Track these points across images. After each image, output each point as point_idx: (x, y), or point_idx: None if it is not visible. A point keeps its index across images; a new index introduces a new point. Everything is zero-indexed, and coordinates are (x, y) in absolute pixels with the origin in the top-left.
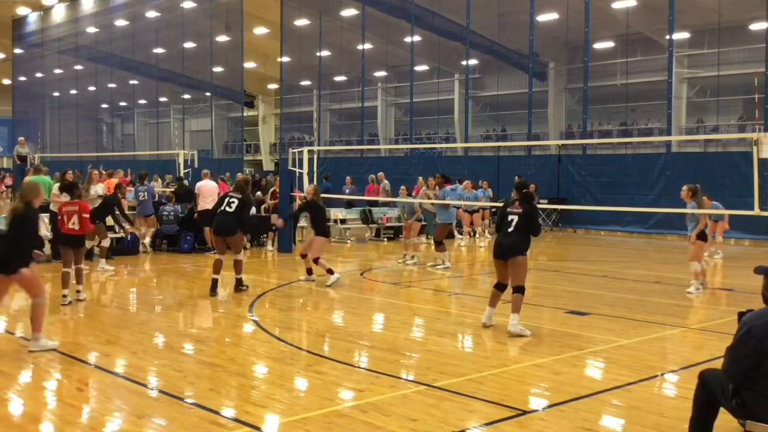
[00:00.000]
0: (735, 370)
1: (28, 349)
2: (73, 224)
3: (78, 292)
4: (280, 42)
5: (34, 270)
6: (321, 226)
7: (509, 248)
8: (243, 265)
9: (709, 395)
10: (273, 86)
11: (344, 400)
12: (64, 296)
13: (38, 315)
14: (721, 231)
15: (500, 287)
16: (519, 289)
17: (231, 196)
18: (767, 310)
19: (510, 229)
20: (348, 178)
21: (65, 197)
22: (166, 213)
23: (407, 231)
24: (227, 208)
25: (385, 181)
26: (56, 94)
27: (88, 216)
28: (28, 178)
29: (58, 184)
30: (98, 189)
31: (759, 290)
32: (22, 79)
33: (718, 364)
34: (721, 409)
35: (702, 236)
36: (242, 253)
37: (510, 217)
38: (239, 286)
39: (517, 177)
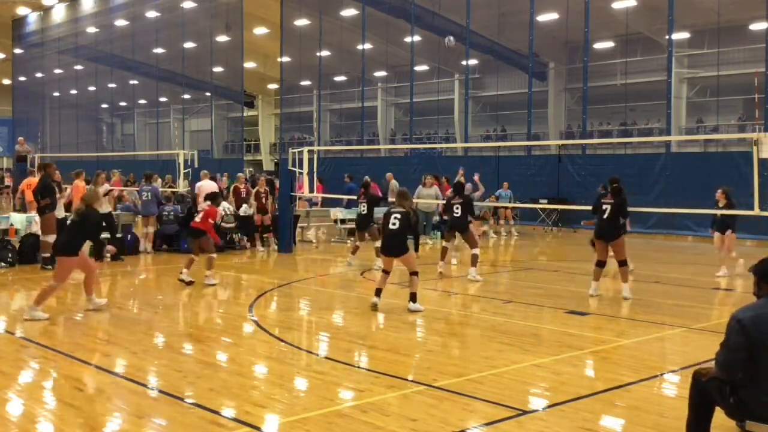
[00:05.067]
0: (728, 363)
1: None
2: (196, 221)
3: (206, 277)
4: (280, 42)
5: None
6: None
7: (606, 232)
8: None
9: (704, 395)
10: (273, 86)
11: (344, 400)
12: (182, 272)
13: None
14: None
15: (600, 264)
16: (622, 263)
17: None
18: (756, 303)
19: (605, 216)
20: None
21: (206, 204)
22: (166, 213)
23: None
24: None
25: (393, 182)
26: (56, 94)
27: (210, 219)
28: (28, 179)
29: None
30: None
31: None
32: (22, 79)
33: None
34: (720, 409)
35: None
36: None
37: (604, 207)
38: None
39: (609, 180)
